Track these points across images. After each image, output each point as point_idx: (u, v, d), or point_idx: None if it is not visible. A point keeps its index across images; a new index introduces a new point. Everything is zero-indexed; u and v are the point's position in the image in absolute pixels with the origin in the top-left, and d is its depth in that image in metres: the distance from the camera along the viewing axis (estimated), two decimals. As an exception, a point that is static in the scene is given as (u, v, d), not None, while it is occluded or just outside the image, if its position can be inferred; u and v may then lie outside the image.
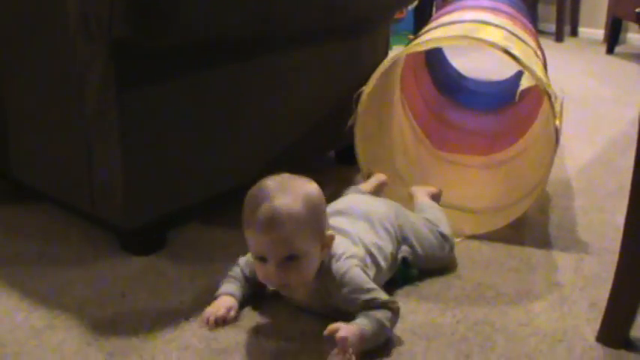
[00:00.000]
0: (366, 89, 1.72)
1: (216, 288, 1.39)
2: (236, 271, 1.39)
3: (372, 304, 1.23)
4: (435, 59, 2.81)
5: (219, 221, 1.75)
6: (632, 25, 4.62)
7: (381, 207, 1.50)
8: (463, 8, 2.13)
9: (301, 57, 1.80)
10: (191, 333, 1.28)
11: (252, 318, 1.34)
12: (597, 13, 4.91)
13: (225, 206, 1.79)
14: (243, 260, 1.40)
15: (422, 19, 3.47)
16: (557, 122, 1.57)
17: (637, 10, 1.09)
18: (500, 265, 1.57)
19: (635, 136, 1.14)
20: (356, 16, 1.95)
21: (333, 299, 1.27)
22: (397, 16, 4.11)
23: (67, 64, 1.45)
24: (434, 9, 4.32)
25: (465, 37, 1.69)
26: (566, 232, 1.74)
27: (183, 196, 1.60)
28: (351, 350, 1.15)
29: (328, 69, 1.91)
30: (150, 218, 1.56)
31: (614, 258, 1.24)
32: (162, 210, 1.57)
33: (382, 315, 1.22)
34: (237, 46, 1.60)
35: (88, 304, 1.37)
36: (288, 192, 1.21)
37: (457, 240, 1.66)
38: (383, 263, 1.38)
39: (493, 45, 1.61)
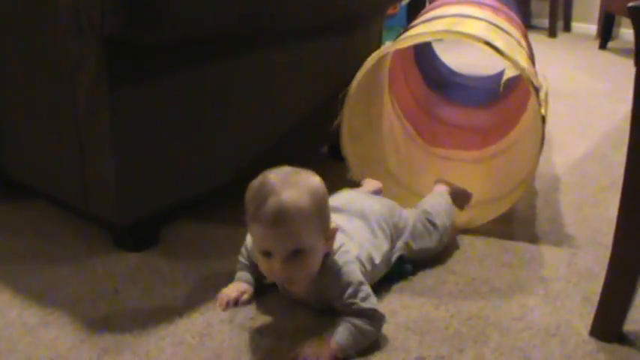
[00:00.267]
0: (351, 89, 1.71)
1: (211, 283, 1.39)
2: (243, 251, 1.41)
3: (356, 309, 1.23)
4: (424, 55, 2.81)
5: (212, 217, 1.75)
6: (625, 21, 4.62)
7: (376, 205, 1.50)
8: (449, 3, 2.13)
9: (293, 53, 1.80)
10: (185, 329, 1.28)
11: (246, 314, 1.34)
12: (590, 9, 4.91)
13: (218, 202, 1.79)
14: (249, 240, 1.39)
15: (415, 14, 3.45)
16: (543, 111, 1.57)
17: (629, 5, 1.09)
18: (493, 260, 1.57)
19: (628, 131, 1.14)
20: (349, 12, 1.95)
21: (328, 292, 1.26)
22: (390, 11, 4.11)
23: (58, 61, 1.44)
24: (427, 4, 4.32)
25: (445, 31, 1.69)
26: (559, 227, 1.75)
27: (176, 192, 1.60)
28: None
29: (321, 65, 1.91)
30: (143, 214, 1.56)
31: (607, 252, 1.24)
32: (155, 206, 1.57)
33: (363, 323, 1.22)
34: (229, 42, 1.59)
35: (81, 300, 1.37)
36: (294, 185, 1.19)
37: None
38: (378, 261, 1.37)
39: (472, 37, 1.60)
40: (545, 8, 4.90)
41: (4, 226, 1.69)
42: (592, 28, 4.87)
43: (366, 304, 1.23)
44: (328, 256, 1.26)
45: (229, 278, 1.41)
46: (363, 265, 1.32)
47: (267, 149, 1.80)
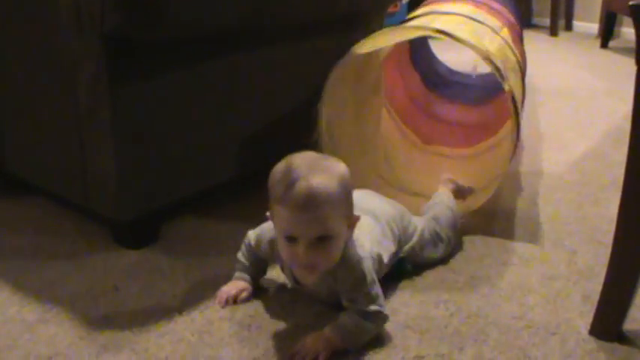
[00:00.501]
0: (322, 104, 1.72)
1: (210, 281, 1.39)
2: (244, 250, 1.40)
3: (361, 310, 1.23)
4: (420, 54, 2.80)
5: (213, 214, 1.75)
6: (627, 19, 4.62)
7: (387, 207, 1.48)
8: (435, 2, 2.14)
9: (294, 50, 1.80)
10: (184, 326, 1.28)
11: (245, 311, 1.34)
12: (592, 7, 4.90)
13: (218, 199, 1.79)
14: (252, 236, 1.39)
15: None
16: (506, 87, 1.57)
17: (631, 3, 1.09)
18: (493, 259, 1.57)
19: (629, 130, 1.14)
20: (350, 10, 1.95)
21: (340, 285, 1.26)
22: (391, 9, 4.10)
23: (59, 58, 1.44)
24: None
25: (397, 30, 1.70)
26: (559, 226, 1.75)
27: (176, 189, 1.60)
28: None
29: (321, 63, 1.90)
30: (143, 211, 1.56)
31: (607, 251, 1.24)
32: (155, 203, 1.57)
33: (365, 320, 1.23)
34: (229, 40, 1.59)
35: (80, 297, 1.37)
36: (323, 170, 1.18)
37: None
38: (386, 261, 1.37)
39: (422, 29, 1.64)
40: (547, 7, 4.90)
41: (4, 222, 1.69)
42: (593, 27, 4.86)
43: (372, 307, 1.23)
44: (346, 247, 1.25)
45: (229, 275, 1.41)
46: (374, 262, 1.31)
47: (267, 146, 1.80)
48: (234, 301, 1.36)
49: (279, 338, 1.25)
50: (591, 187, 2.02)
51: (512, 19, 2.31)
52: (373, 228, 1.38)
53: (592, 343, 1.26)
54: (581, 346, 1.25)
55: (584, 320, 1.32)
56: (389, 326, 1.27)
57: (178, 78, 1.51)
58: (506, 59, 1.73)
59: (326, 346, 1.19)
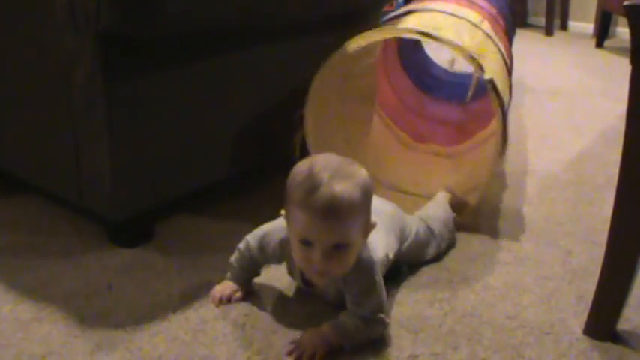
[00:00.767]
0: (307, 107, 1.72)
1: (205, 280, 1.39)
2: (238, 256, 1.38)
3: (367, 315, 1.23)
4: (409, 53, 2.80)
5: (208, 213, 1.75)
6: (622, 19, 4.63)
7: (386, 206, 1.48)
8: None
9: (290, 48, 1.80)
10: (178, 325, 1.28)
11: (239, 310, 1.34)
12: (587, 7, 4.91)
13: (213, 198, 1.79)
14: (253, 240, 1.36)
15: (412, 11, 3.46)
16: (487, 76, 1.57)
17: (625, 3, 1.09)
18: (488, 258, 1.57)
19: (623, 130, 1.14)
20: (346, 8, 1.95)
21: (347, 287, 1.24)
22: (387, 8, 4.10)
23: (54, 56, 1.44)
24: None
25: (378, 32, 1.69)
26: (554, 225, 1.75)
27: (171, 188, 1.60)
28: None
29: (317, 61, 1.90)
30: (138, 210, 1.55)
31: (601, 251, 1.24)
32: (150, 202, 1.57)
33: (366, 324, 1.22)
34: (225, 37, 1.59)
35: (75, 296, 1.37)
36: (347, 177, 1.15)
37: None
38: (391, 257, 1.37)
39: (409, 31, 1.63)
40: (542, 6, 4.91)
41: (-2, 220, 1.69)
42: (588, 27, 4.87)
43: (376, 315, 1.23)
44: (361, 251, 1.24)
45: (223, 274, 1.41)
46: (383, 265, 1.31)
47: (263, 145, 1.80)
48: (228, 300, 1.36)
49: (273, 337, 1.25)
50: (586, 186, 2.02)
51: (494, 11, 2.31)
52: (380, 228, 1.36)
53: (586, 343, 1.26)
54: (575, 345, 1.25)
55: (578, 320, 1.32)
56: (383, 325, 1.28)
57: (173, 76, 1.51)
58: (487, 54, 1.73)
59: (323, 343, 1.20)
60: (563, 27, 5.11)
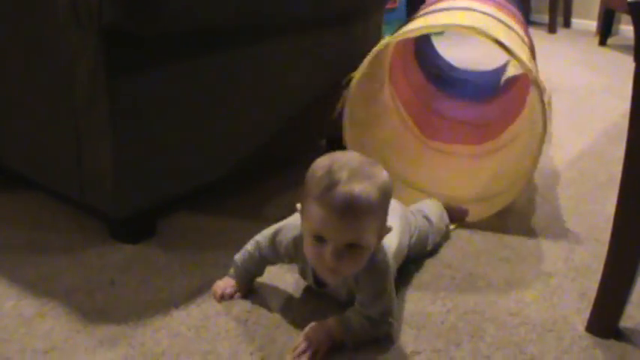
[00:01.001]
0: (356, 75, 1.71)
1: (207, 275, 1.39)
2: (248, 256, 1.35)
3: (375, 317, 1.22)
4: (423, 50, 2.80)
5: (209, 210, 1.75)
6: (625, 17, 4.62)
7: (396, 204, 1.44)
8: None
9: (293, 45, 1.80)
10: (180, 321, 1.28)
11: (241, 306, 1.34)
12: (590, 5, 4.90)
13: (215, 195, 1.79)
14: (264, 240, 1.33)
15: (414, 9, 3.46)
16: (547, 112, 1.57)
17: (629, 0, 1.09)
18: (490, 255, 1.57)
19: (626, 128, 1.14)
20: (348, 5, 1.95)
21: (358, 288, 1.24)
22: (390, 5, 4.10)
23: (56, 51, 1.44)
24: (427, -1, 4.31)
25: (458, 25, 1.67)
26: (556, 223, 1.75)
27: (173, 184, 1.60)
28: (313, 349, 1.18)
29: (320, 58, 1.90)
30: (139, 206, 1.55)
31: (604, 249, 1.24)
32: (151, 198, 1.57)
33: (371, 327, 1.22)
34: (228, 34, 1.59)
35: (77, 292, 1.37)
36: (367, 177, 1.14)
37: (452, 227, 1.67)
38: (405, 253, 1.38)
39: (483, 34, 1.59)
40: (545, 4, 4.90)
41: (0, 217, 1.69)
42: (592, 25, 4.86)
43: (384, 318, 1.23)
44: (373, 252, 1.22)
45: (225, 270, 1.41)
46: (396, 262, 1.31)
47: (265, 142, 1.80)
48: (230, 297, 1.35)
49: (275, 333, 1.25)
50: (589, 184, 2.02)
51: (518, 13, 2.30)
52: (395, 223, 1.34)
53: (588, 340, 1.26)
54: (578, 342, 1.25)
55: (580, 317, 1.32)
56: (386, 322, 1.28)
57: (176, 73, 1.50)
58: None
59: (327, 339, 1.19)
60: (567, 24, 5.10)
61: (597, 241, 1.63)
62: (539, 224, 1.73)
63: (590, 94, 3.12)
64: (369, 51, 1.69)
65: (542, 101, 1.56)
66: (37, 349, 1.19)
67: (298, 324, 1.27)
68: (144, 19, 1.36)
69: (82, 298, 1.35)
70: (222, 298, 1.35)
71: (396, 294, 1.38)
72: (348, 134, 1.79)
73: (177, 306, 1.33)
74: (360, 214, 1.12)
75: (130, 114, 1.45)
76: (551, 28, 4.82)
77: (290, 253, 1.30)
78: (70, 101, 1.45)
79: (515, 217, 1.77)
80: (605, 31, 4.40)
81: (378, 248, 1.23)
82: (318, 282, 1.31)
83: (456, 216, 1.70)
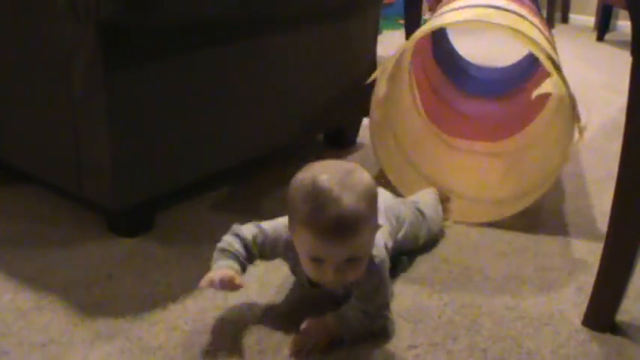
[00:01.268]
0: (383, 73, 1.70)
1: (204, 269, 1.39)
2: (235, 245, 1.23)
3: (371, 312, 1.22)
4: (440, 46, 2.79)
5: (207, 203, 1.75)
6: (623, 13, 4.62)
7: (381, 195, 1.41)
8: None
9: (291, 40, 1.80)
10: (178, 314, 1.28)
11: (239, 299, 1.34)
12: (588, 0, 4.91)
13: (213, 188, 1.79)
14: (249, 232, 1.25)
15: (412, 4, 3.45)
16: (579, 128, 1.57)
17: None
18: (487, 249, 1.58)
19: (624, 123, 1.14)
20: (343, 2, 1.94)
21: (354, 285, 1.22)
22: (387, 1, 4.10)
23: (54, 45, 1.44)
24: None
25: (507, 27, 1.63)
26: (554, 217, 1.75)
27: (171, 178, 1.60)
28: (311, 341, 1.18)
29: (317, 52, 1.90)
30: (137, 200, 1.56)
31: (601, 243, 1.24)
32: (150, 192, 1.57)
33: (369, 322, 1.22)
34: (226, 28, 1.59)
35: (74, 285, 1.37)
36: (350, 188, 1.09)
37: (445, 224, 1.67)
38: (388, 252, 1.37)
39: (536, 46, 1.58)
40: (543, -1, 4.90)
41: (-2, 210, 1.69)
42: (590, 20, 4.87)
43: (380, 312, 1.23)
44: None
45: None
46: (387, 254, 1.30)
47: (262, 136, 1.80)
48: (231, 284, 1.18)
49: (272, 326, 1.25)
50: (586, 179, 2.02)
51: (535, 9, 2.29)
52: (384, 225, 1.35)
53: (585, 334, 1.26)
54: (574, 336, 1.26)
55: (577, 311, 1.32)
56: (382, 316, 1.28)
57: (174, 66, 1.50)
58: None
59: (325, 334, 1.19)
60: (564, 20, 5.10)
61: (594, 235, 1.64)
62: (535, 218, 1.74)
63: (588, 89, 3.12)
64: (366, 45, 1.69)
65: (578, 124, 1.55)
66: (35, 343, 1.19)
67: (295, 317, 1.27)
68: (141, 12, 1.36)
69: (80, 291, 1.35)
70: (222, 285, 1.18)
71: (393, 288, 1.39)
72: (373, 134, 1.77)
73: (174, 299, 1.33)
74: (353, 230, 1.09)
75: (127, 108, 1.45)
76: (549, 24, 4.82)
77: (278, 254, 1.28)
78: (67, 95, 1.45)
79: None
80: (602, 27, 4.41)
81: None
82: (312, 283, 1.27)
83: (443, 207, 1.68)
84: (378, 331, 1.24)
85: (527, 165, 1.93)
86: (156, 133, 1.52)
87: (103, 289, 1.36)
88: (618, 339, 1.25)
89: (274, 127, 1.83)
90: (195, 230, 1.62)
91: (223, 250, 1.24)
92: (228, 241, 1.25)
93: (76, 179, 1.53)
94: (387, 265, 1.25)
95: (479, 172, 1.95)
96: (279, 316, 1.29)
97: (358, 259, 1.14)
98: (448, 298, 1.37)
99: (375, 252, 1.22)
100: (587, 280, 1.37)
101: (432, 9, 5.20)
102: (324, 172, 1.12)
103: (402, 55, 1.75)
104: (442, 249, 1.57)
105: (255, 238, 1.26)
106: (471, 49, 3.25)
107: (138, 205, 1.56)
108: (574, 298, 1.38)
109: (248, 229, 1.27)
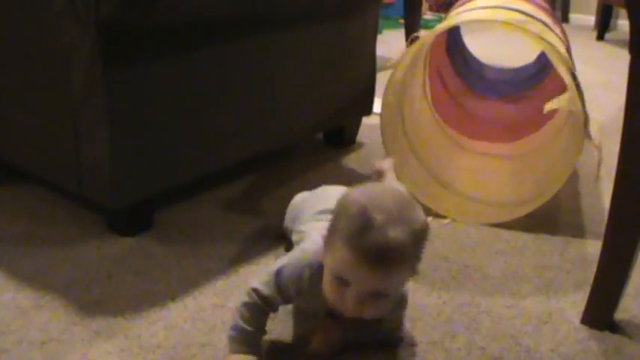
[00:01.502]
0: (398, 69, 1.69)
1: (203, 268, 1.39)
2: (247, 311, 1.13)
3: (386, 331, 1.21)
4: (455, 47, 2.79)
5: (207, 202, 1.75)
6: (623, 12, 4.62)
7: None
8: None
9: (290, 38, 1.80)
10: (177, 313, 1.28)
11: (237, 298, 1.33)
12: (588, 0, 4.90)
13: (212, 187, 1.80)
14: (265, 288, 1.13)
15: (412, 4, 3.45)
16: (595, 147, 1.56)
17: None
18: (486, 248, 1.58)
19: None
20: (342, 0, 1.95)
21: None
22: (387, 0, 4.10)
23: (53, 44, 1.44)
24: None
25: (535, 34, 1.62)
26: (553, 216, 1.75)
27: (170, 176, 1.60)
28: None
29: (316, 52, 1.90)
30: (137, 199, 1.56)
31: (600, 242, 1.24)
32: (149, 191, 1.57)
33: (380, 338, 1.21)
34: (225, 26, 1.59)
35: (74, 284, 1.37)
36: (404, 222, 1.01)
37: (444, 222, 1.67)
38: None
39: (564, 63, 1.58)
40: (544, -1, 4.89)
41: (-2, 209, 1.70)
42: (590, 19, 4.87)
43: (395, 332, 1.23)
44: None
45: (222, 263, 1.41)
46: None
47: (262, 135, 1.80)
48: None
49: (270, 325, 1.25)
50: (585, 178, 2.02)
51: (549, 8, 2.29)
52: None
53: (583, 332, 1.27)
54: (573, 334, 1.26)
55: (576, 309, 1.33)
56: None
57: (173, 65, 1.51)
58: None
59: (337, 335, 1.18)
60: (565, 19, 5.10)
61: (593, 234, 1.64)
62: (535, 217, 1.73)
63: (588, 88, 3.09)
64: (366, 44, 1.69)
65: (587, 135, 1.55)
66: (34, 341, 1.19)
67: (294, 316, 1.28)
68: (141, 11, 1.36)
69: (79, 290, 1.35)
70: None
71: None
72: (384, 116, 1.74)
73: (173, 298, 1.33)
74: (391, 266, 1.01)
75: (127, 106, 1.45)
76: (550, 23, 4.81)
77: (302, 288, 1.14)
78: (67, 93, 1.45)
79: (512, 210, 1.78)
80: (602, 26, 4.41)
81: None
82: (333, 313, 1.17)
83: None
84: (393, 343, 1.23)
85: (533, 171, 1.93)
86: (155, 132, 1.52)
87: (102, 288, 1.36)
88: (617, 337, 1.25)
89: (274, 126, 1.83)
90: (194, 229, 1.62)
91: (240, 329, 1.13)
92: (238, 317, 1.13)
93: (75, 178, 1.54)
94: (405, 302, 1.21)
95: (483, 173, 1.95)
96: (278, 315, 1.29)
97: (384, 296, 1.05)
98: (447, 296, 1.37)
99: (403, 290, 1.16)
100: (586, 278, 1.37)
101: (432, 9, 5.20)
102: (383, 197, 1.05)
103: (422, 45, 1.74)
104: (441, 247, 1.57)
105: (256, 302, 1.14)
106: (479, 47, 3.25)
107: (137, 204, 1.57)
108: (573, 296, 1.38)
109: (248, 297, 1.14)
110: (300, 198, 1.51)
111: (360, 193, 1.06)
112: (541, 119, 2.11)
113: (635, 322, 1.30)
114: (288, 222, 1.48)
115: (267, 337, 1.17)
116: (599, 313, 1.28)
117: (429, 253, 1.52)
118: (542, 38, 1.59)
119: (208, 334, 1.23)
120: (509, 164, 2.02)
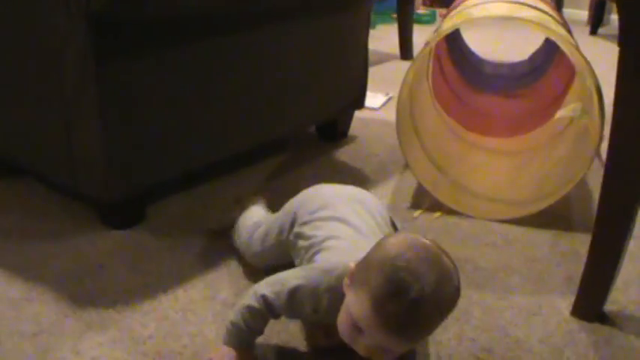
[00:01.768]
0: (409, 72, 1.68)
1: (195, 261, 1.39)
2: (252, 312, 1.11)
3: None
4: (455, 43, 2.79)
5: (199, 195, 1.75)
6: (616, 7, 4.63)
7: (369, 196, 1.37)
8: None
9: (281, 32, 1.80)
10: (168, 305, 1.29)
11: (229, 290, 1.34)
12: (581, -6, 4.92)
13: (204, 180, 1.80)
14: (277, 299, 1.10)
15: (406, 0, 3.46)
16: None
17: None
18: (478, 240, 1.58)
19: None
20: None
21: None
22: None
23: (45, 38, 1.44)
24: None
25: (550, 30, 1.60)
26: (543, 209, 1.75)
27: (163, 170, 1.60)
28: None
29: (309, 46, 1.90)
30: (129, 192, 1.56)
31: (590, 234, 1.24)
32: (142, 184, 1.57)
33: None
34: (217, 20, 1.59)
35: (66, 276, 1.38)
36: (437, 299, 0.95)
37: (436, 215, 1.68)
38: None
39: (594, 80, 1.57)
40: (537, -7, 4.90)
41: (-10, 202, 1.70)
42: (583, 14, 4.87)
43: None
44: None
45: (213, 256, 1.41)
46: None
47: (255, 129, 1.81)
48: None
49: (271, 325, 1.26)
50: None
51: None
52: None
53: (573, 324, 1.27)
54: (563, 326, 1.27)
55: (566, 301, 1.33)
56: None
57: (165, 58, 1.50)
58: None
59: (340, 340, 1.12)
60: (558, 14, 5.10)
61: (583, 226, 1.65)
62: (526, 210, 1.75)
63: (581, 82, 3.12)
64: (358, 39, 1.68)
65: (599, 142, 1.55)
66: (25, 333, 1.19)
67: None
68: (133, 5, 1.36)
69: (71, 282, 1.36)
70: None
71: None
72: (399, 110, 1.71)
73: (165, 290, 1.34)
74: (414, 336, 1.00)
75: (119, 100, 1.45)
76: (543, 18, 4.82)
77: (320, 309, 1.10)
78: (59, 87, 1.45)
79: (503, 203, 1.78)
80: (595, 21, 4.42)
81: None
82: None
83: None
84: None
85: (544, 168, 1.92)
86: (148, 126, 1.52)
87: (94, 280, 1.37)
88: (606, 329, 1.26)
89: (266, 120, 1.83)
90: (186, 222, 1.62)
91: (234, 326, 1.12)
92: (240, 315, 1.12)
93: (68, 172, 1.54)
94: None
95: (489, 169, 1.95)
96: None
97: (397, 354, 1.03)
98: (438, 288, 1.37)
99: None
100: (576, 270, 1.37)
101: (425, 4, 5.20)
102: (424, 264, 0.96)
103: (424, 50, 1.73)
104: (433, 239, 1.57)
105: (261, 309, 1.11)
106: (474, 40, 3.25)
107: (130, 196, 1.57)
108: (563, 288, 1.39)
109: (253, 301, 1.11)
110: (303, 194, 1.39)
111: (401, 250, 0.98)
112: (540, 119, 2.11)
113: (625, 314, 1.30)
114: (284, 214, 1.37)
115: (266, 332, 1.16)
116: (589, 305, 1.29)
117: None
118: (576, 48, 1.58)
119: (199, 325, 1.23)
120: (506, 160, 2.03)
